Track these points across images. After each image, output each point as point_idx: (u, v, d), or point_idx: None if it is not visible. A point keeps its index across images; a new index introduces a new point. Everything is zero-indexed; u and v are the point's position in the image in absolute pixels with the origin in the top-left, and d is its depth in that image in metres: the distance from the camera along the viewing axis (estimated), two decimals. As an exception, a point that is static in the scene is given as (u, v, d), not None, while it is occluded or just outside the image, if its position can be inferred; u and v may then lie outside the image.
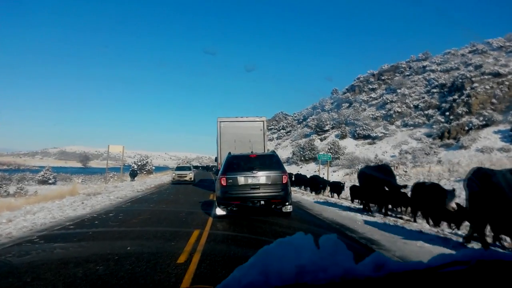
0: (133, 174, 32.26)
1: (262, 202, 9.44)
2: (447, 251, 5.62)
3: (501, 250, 6.58)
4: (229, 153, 10.52)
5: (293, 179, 25.54)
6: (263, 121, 18.08)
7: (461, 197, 9.24)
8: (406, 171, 23.88)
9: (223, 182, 9.48)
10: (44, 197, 14.13)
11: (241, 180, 9.45)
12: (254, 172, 9.52)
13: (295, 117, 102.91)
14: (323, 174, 31.39)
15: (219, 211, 9.76)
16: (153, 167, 56.70)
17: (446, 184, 16.83)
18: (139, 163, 53.00)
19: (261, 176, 9.51)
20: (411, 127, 60.87)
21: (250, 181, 9.48)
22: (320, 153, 44.87)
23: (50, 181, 41.30)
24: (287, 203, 9.85)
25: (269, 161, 10.05)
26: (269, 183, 9.53)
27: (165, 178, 38.07)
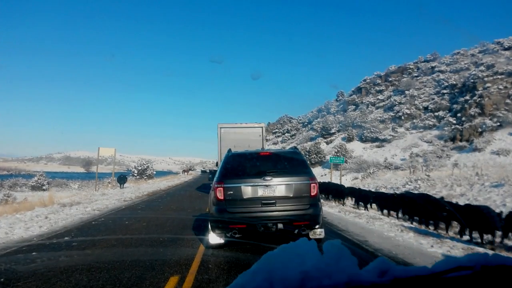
0: (121, 180, 27.41)
1: (280, 226, 6.25)
2: None
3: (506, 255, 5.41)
4: (229, 150, 7.48)
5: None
6: (262, 127, 18.29)
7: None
8: (429, 175, 21.43)
9: (219, 195, 6.35)
10: (5, 209, 12.14)
11: (247, 191, 6.36)
12: (267, 178, 6.38)
13: (300, 120, 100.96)
14: (330, 178, 29.36)
15: (214, 239, 6.62)
16: (154, 172, 54.83)
17: (482, 190, 14.66)
18: (140, 168, 51.25)
19: (278, 185, 6.41)
20: (421, 129, 58.65)
21: (261, 192, 6.38)
22: (330, 156, 42.91)
23: (44, 187, 39.52)
24: (317, 226, 6.63)
25: (290, 162, 6.95)
26: (291, 195, 6.41)
27: (163, 183, 36.25)
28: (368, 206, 15.67)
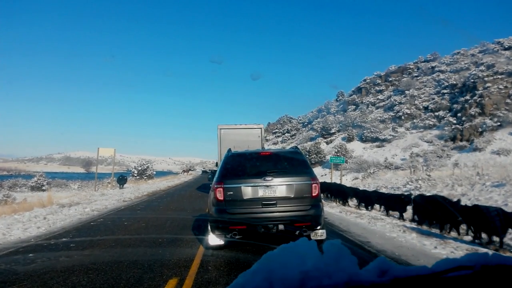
0: (121, 181, 27.21)
1: (281, 227, 6.14)
2: None
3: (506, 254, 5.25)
4: (229, 150, 7.39)
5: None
6: (260, 128, 18.80)
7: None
8: (429, 175, 21.29)
9: (219, 195, 6.25)
10: (3, 210, 12.06)
11: (248, 191, 6.25)
12: (267, 178, 6.29)
13: (300, 120, 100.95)
14: (330, 178, 29.25)
15: (214, 240, 6.57)
16: (154, 172, 54.75)
17: (483, 190, 14.57)
18: (140, 168, 51.17)
19: (279, 185, 6.32)
20: (421, 129, 58.56)
21: (261, 193, 6.28)
22: (330, 156, 42.89)
23: (44, 188, 39.46)
24: (318, 227, 6.57)
25: (291, 162, 6.87)
26: (292, 196, 6.33)
27: (163, 184, 36.15)
28: (373, 207, 15.18)
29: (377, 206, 15.09)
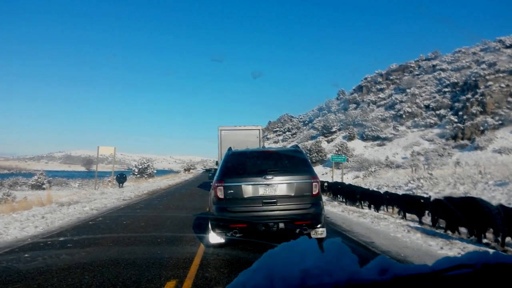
0: (121, 180, 26.90)
1: (282, 225, 6.15)
2: None
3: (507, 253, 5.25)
4: (229, 148, 7.39)
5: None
6: (259, 129, 19.64)
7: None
8: (431, 174, 21.14)
9: (220, 194, 6.27)
10: (2, 209, 11.96)
11: (248, 190, 6.28)
12: (268, 177, 6.31)
13: (301, 119, 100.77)
14: (331, 177, 29.16)
15: (214, 238, 6.58)
16: (155, 171, 54.71)
17: (486, 189, 14.45)
18: (140, 167, 51.11)
19: (280, 184, 6.34)
20: (423, 128, 58.37)
21: (262, 191, 6.31)
22: (331, 154, 42.80)
23: (44, 186, 39.48)
24: (319, 225, 6.57)
25: (292, 161, 6.87)
26: (292, 194, 6.35)
27: (164, 182, 36.07)
28: (382, 208, 14.75)
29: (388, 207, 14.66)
